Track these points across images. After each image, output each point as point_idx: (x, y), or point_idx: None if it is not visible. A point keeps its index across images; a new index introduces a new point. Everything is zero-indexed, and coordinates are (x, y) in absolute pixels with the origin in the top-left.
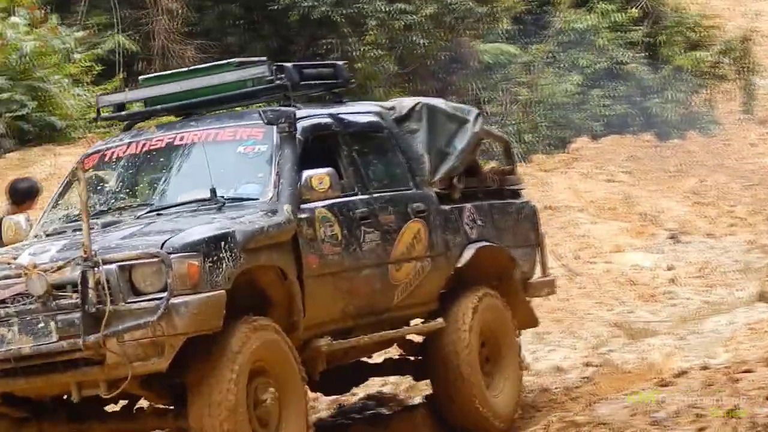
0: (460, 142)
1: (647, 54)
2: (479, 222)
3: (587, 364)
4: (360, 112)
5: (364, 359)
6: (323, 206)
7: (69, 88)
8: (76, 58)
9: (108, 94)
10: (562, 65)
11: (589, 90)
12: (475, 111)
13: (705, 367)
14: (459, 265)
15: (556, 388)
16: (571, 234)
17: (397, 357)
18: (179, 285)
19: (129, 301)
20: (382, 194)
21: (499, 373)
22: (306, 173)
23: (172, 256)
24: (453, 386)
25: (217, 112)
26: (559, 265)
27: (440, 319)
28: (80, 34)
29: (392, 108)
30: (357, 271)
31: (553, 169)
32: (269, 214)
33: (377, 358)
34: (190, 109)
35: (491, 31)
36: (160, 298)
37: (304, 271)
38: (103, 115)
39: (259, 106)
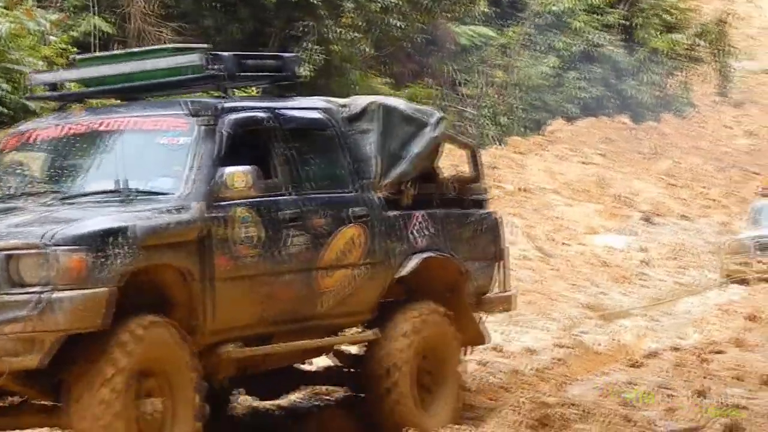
0: (416, 146)
1: (623, 36)
2: (430, 231)
3: (559, 346)
4: (304, 107)
5: (299, 366)
6: (244, 205)
7: (44, 70)
8: (52, 40)
9: (41, 72)
10: (538, 48)
11: (565, 72)
12: (437, 115)
13: (676, 348)
14: (400, 274)
15: (527, 369)
16: (546, 216)
17: (333, 366)
18: (62, 279)
19: (7, 292)
20: (317, 196)
21: (439, 389)
22: (225, 170)
23: (57, 248)
24: (384, 400)
25: (153, 99)
26: (533, 247)
27: (372, 331)
28: (56, 16)
29: (345, 105)
30: (277, 275)
31: (528, 151)
32: (177, 210)
33: (313, 365)
34: (123, 93)
35: (468, 14)
36: (41, 292)
37: (214, 272)
38: (36, 94)
39: (201, 95)
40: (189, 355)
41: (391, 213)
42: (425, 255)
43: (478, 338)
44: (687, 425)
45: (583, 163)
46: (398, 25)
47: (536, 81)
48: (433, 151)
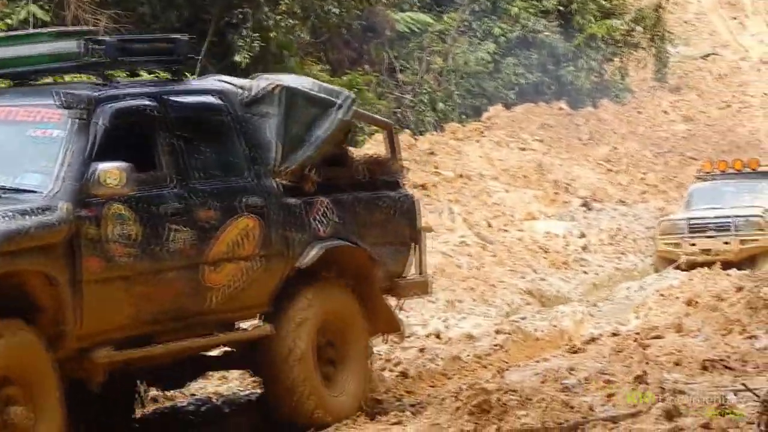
0: (321, 129)
1: (560, 22)
2: (335, 218)
3: (499, 332)
4: (195, 91)
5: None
6: (119, 202)
7: None
8: None
9: None
10: (476, 34)
11: (503, 58)
12: (346, 95)
13: (615, 334)
14: (301, 264)
15: (467, 356)
16: (485, 202)
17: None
18: None
19: None
20: (205, 187)
21: (345, 377)
22: (98, 166)
23: None
24: (281, 387)
25: (34, 85)
26: (472, 233)
27: (269, 326)
28: None
29: (244, 88)
30: (157, 273)
31: (466, 138)
32: (42, 211)
33: (217, 351)
34: (12, 78)
35: (406, 0)
36: None
37: (82, 275)
38: None
39: (89, 79)
40: (53, 362)
41: (291, 201)
42: (328, 244)
43: (391, 325)
44: (626, 410)
45: (522, 149)
46: (335, 11)
47: (474, 67)
48: (341, 132)
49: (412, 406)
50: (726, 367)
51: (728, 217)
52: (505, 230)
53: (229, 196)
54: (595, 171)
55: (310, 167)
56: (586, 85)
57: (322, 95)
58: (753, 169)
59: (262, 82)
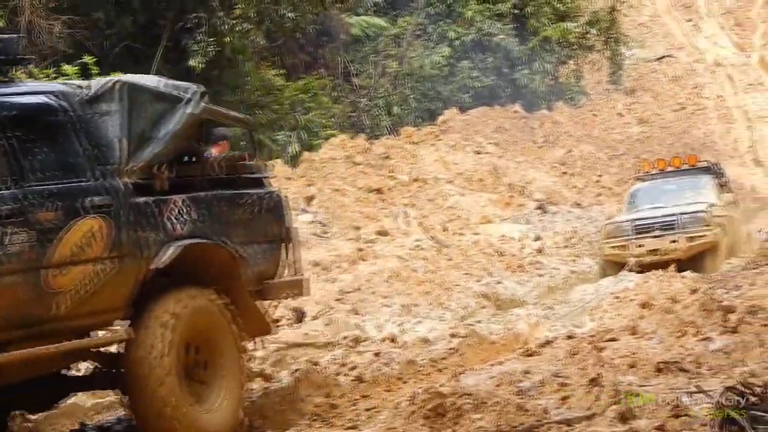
0: (170, 125)
1: (515, 25)
2: (192, 216)
3: (454, 336)
4: (28, 92)
5: (64, 372)
6: None
7: None
8: None
9: None
10: (430, 37)
11: (458, 62)
12: (194, 89)
13: (570, 337)
14: (156, 265)
15: (422, 360)
16: (440, 206)
17: (99, 368)
18: None
19: None
20: (44, 188)
21: (216, 384)
22: None
23: None
24: (144, 400)
25: None
26: (427, 237)
27: (125, 330)
28: None
29: (83, 87)
30: None
31: (421, 141)
32: None
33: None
34: None
35: (360, 4)
36: None
37: None
38: None
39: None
40: None
41: (141, 200)
42: (186, 242)
43: (262, 328)
44: (581, 413)
45: (477, 152)
46: (290, 16)
47: (429, 71)
48: (191, 128)
49: (368, 410)
50: (680, 369)
51: (673, 215)
52: (461, 234)
53: (70, 197)
54: (550, 174)
55: (160, 164)
56: (541, 88)
57: (168, 90)
58: (692, 166)
59: (103, 80)
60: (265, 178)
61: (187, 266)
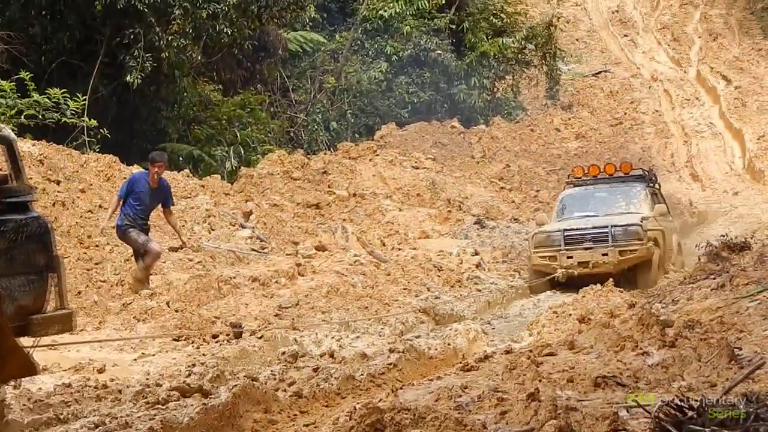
0: None
1: (452, 41)
2: None
3: (392, 351)
4: None
5: None
6: None
7: None
8: None
9: None
10: (368, 53)
11: (396, 77)
12: None
13: (508, 351)
14: None
15: (361, 375)
16: (378, 221)
17: None
18: None
19: None
20: None
21: None
22: None
23: None
24: None
25: None
26: (366, 252)
27: None
28: None
29: None
30: None
31: (359, 157)
32: None
33: None
34: None
35: (297, 20)
36: None
37: None
38: None
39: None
40: None
41: None
42: None
43: (25, 368)
44: (519, 428)
45: (415, 167)
46: (227, 31)
47: (367, 86)
48: None
49: (306, 426)
50: (618, 384)
51: (605, 227)
52: (399, 249)
53: None
54: (488, 189)
55: None
56: (479, 103)
57: None
58: (626, 173)
59: None
60: (30, 202)
61: None
